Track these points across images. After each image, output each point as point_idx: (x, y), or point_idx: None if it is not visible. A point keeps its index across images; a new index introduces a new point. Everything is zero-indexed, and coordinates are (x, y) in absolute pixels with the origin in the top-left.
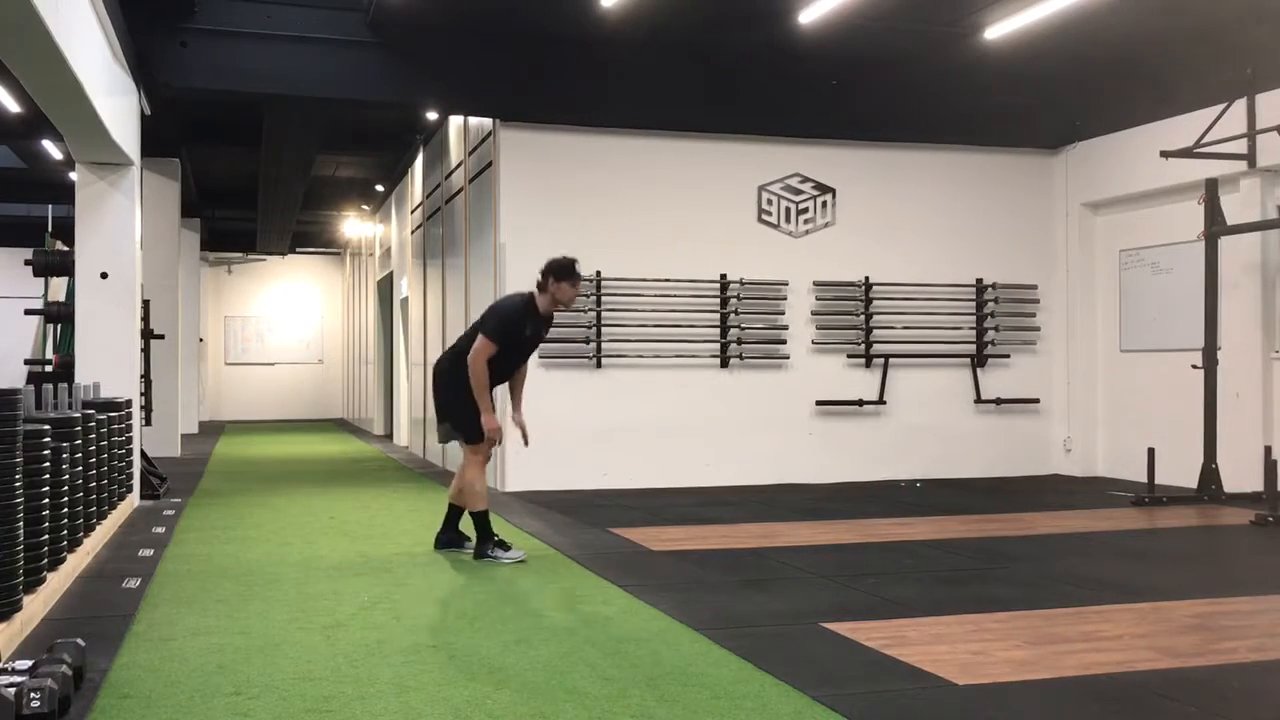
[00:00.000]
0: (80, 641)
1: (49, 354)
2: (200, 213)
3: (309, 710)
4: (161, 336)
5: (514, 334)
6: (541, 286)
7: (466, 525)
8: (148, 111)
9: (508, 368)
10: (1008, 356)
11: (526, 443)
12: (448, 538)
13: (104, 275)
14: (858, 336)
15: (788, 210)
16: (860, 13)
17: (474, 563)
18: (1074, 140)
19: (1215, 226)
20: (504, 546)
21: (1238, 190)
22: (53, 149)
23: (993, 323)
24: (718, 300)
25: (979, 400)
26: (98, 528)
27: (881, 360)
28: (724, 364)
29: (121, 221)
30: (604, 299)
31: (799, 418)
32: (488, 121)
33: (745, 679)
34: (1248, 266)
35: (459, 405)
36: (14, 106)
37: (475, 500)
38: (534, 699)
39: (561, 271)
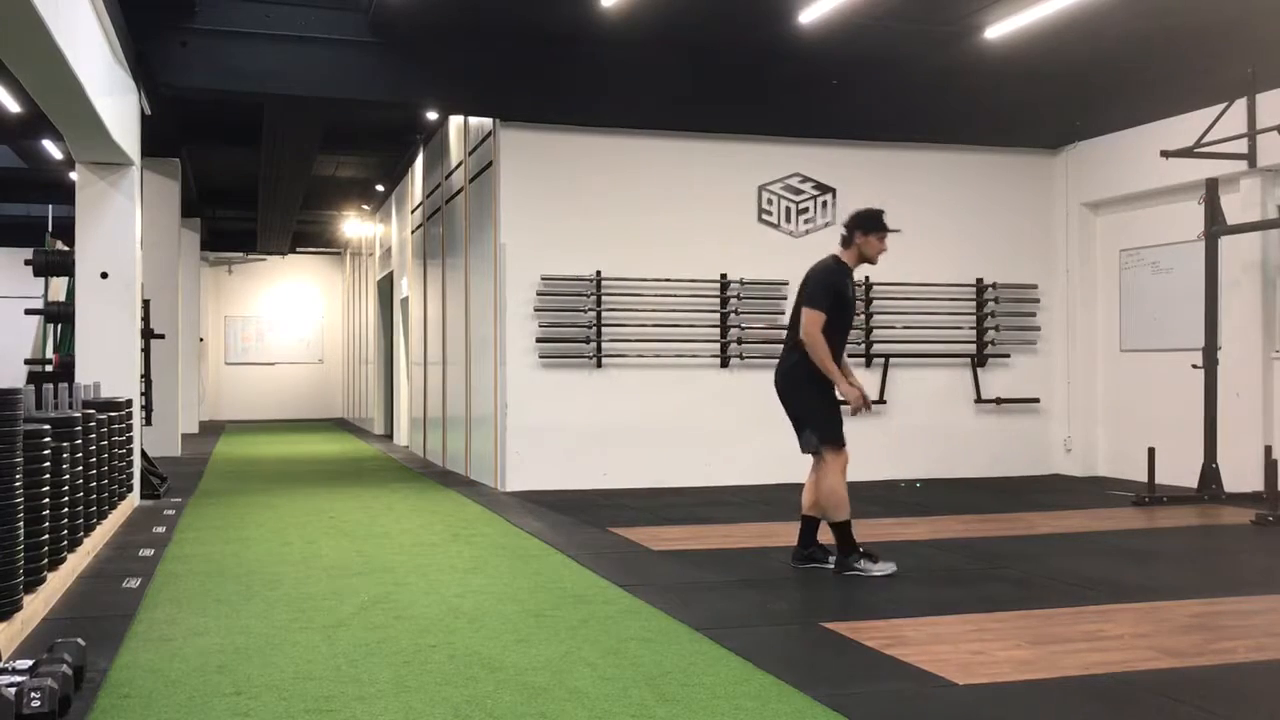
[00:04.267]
0: (80, 641)
1: (49, 354)
2: (200, 213)
3: (309, 710)
4: (161, 336)
5: (839, 295)
6: (846, 241)
7: (825, 535)
8: (148, 111)
9: (841, 335)
10: (1008, 356)
11: (869, 406)
12: (808, 552)
13: (104, 275)
14: (858, 336)
15: (788, 210)
16: (860, 13)
17: (476, 564)
18: (1074, 140)
19: (1215, 226)
20: (871, 558)
21: (1238, 190)
22: (53, 149)
23: (993, 322)
24: (718, 300)
25: (979, 400)
26: (98, 528)
27: (882, 360)
28: (724, 364)
29: (121, 221)
30: (604, 299)
31: None
32: (488, 121)
33: (745, 679)
34: (1248, 266)
35: (806, 405)
36: (14, 106)
37: (836, 509)
38: (534, 699)
39: (870, 223)
